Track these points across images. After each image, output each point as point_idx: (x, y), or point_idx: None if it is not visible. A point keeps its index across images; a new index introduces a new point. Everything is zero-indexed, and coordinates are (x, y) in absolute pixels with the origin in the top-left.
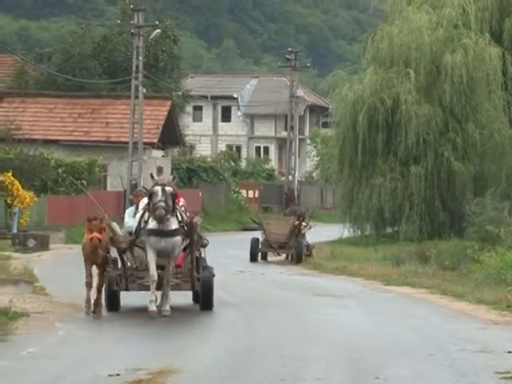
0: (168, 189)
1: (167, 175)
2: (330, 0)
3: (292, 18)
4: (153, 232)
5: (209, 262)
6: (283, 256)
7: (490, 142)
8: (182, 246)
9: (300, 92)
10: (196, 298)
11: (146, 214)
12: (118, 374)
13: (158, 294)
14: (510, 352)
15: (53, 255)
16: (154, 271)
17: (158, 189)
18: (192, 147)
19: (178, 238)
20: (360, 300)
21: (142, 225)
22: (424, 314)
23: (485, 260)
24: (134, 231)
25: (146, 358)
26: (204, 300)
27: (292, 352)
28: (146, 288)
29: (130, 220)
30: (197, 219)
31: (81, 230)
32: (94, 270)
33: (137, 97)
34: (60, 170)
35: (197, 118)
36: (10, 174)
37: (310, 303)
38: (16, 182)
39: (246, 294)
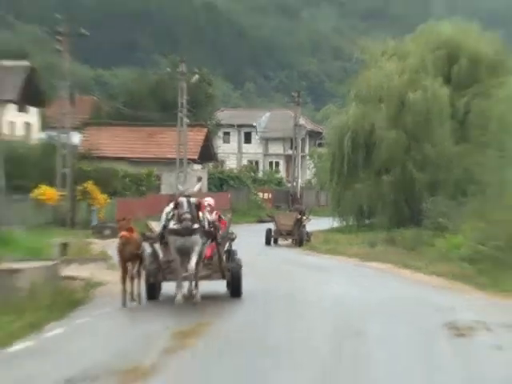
0: (193, 200)
1: (204, 182)
2: (323, 52)
3: (296, 66)
4: (173, 231)
5: (233, 246)
6: (289, 241)
7: (441, 156)
8: (208, 242)
9: (302, 121)
10: (232, 289)
11: (171, 220)
12: (167, 328)
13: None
14: (453, 308)
15: None
16: (178, 266)
17: (184, 200)
18: (222, 162)
19: (196, 237)
20: (344, 272)
21: (173, 224)
22: (391, 282)
23: (436, 243)
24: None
25: (187, 318)
26: (233, 288)
27: (294, 311)
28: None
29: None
30: (227, 217)
31: (137, 222)
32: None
33: (182, 125)
34: (127, 180)
35: (226, 141)
36: (91, 183)
37: (309, 274)
38: (95, 188)
39: (262, 269)
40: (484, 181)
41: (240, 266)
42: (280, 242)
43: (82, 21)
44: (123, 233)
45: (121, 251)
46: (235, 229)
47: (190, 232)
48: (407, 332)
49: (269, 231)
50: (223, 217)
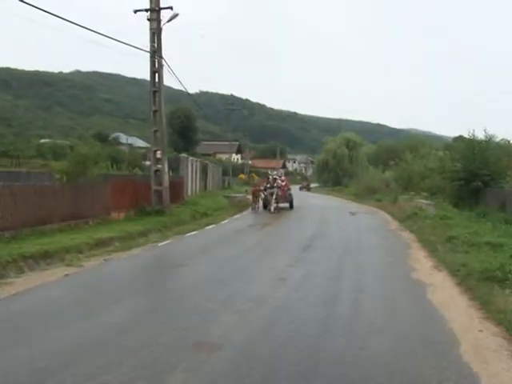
0: (275, 177)
1: (281, 172)
2: (314, 143)
3: (309, 145)
4: (268, 187)
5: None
6: (305, 190)
7: (345, 168)
8: (277, 191)
9: (309, 158)
10: (289, 206)
11: (269, 184)
12: (270, 217)
13: (275, 205)
14: (350, 207)
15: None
16: (272, 199)
17: (271, 177)
18: (287, 169)
19: (275, 189)
20: (320, 197)
21: (268, 185)
22: (333, 200)
23: (344, 191)
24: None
25: (276, 215)
26: (290, 206)
27: (307, 209)
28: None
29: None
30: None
31: (261, 185)
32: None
33: (277, 159)
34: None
35: (289, 163)
36: (253, 173)
37: (309, 198)
38: (254, 175)
39: (297, 198)
40: (357, 175)
41: (292, 198)
42: (302, 190)
43: (250, 133)
44: (254, 188)
45: (252, 193)
46: (291, 186)
47: (273, 187)
48: (338, 213)
49: (300, 187)
50: (287, 183)
